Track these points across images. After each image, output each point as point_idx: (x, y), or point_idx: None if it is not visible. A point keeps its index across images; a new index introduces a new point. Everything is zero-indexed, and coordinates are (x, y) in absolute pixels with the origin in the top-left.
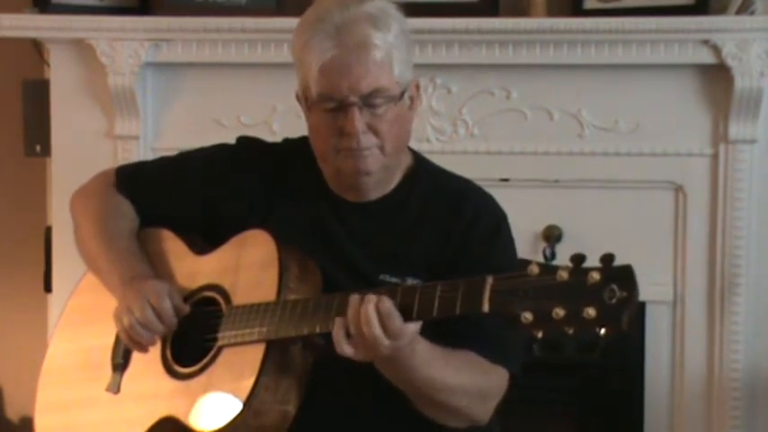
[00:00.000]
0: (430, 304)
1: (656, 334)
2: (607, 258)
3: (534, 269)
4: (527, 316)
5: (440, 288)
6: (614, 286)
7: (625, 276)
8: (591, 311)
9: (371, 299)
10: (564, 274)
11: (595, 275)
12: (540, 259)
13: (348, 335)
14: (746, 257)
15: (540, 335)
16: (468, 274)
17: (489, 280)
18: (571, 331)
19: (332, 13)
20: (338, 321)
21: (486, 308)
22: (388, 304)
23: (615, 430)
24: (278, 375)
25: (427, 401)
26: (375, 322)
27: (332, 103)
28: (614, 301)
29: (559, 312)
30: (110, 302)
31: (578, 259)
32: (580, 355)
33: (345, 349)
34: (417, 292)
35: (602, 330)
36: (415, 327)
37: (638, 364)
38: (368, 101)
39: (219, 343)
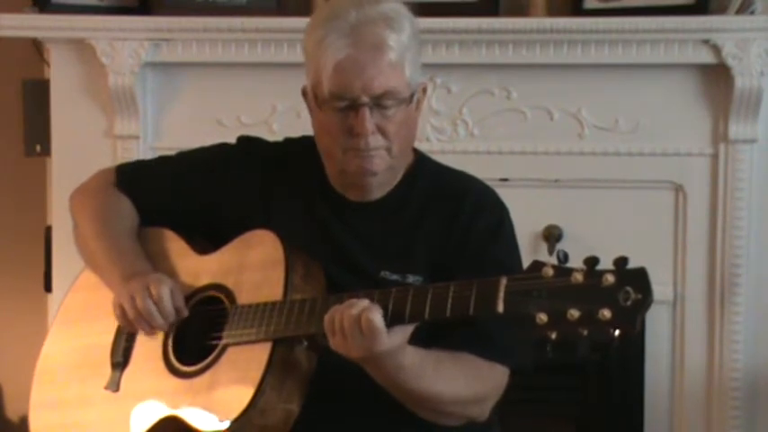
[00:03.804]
0: (443, 304)
1: (656, 334)
2: (621, 261)
3: (549, 271)
4: (542, 317)
5: (453, 288)
6: (629, 288)
7: (639, 279)
8: (606, 313)
9: (354, 302)
10: (579, 277)
11: (610, 278)
12: (548, 259)
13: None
14: (746, 257)
15: (554, 336)
16: (471, 271)
17: (503, 281)
18: (585, 333)
19: (347, 11)
20: (330, 313)
21: (500, 308)
22: (372, 313)
23: (615, 430)
24: (283, 375)
25: (421, 408)
26: (353, 322)
27: (343, 102)
28: (629, 303)
29: (574, 314)
30: (108, 300)
31: (592, 262)
32: (584, 355)
33: (330, 341)
34: (429, 292)
35: (617, 332)
36: (401, 339)
37: (638, 364)
38: (379, 102)
39: (224, 341)
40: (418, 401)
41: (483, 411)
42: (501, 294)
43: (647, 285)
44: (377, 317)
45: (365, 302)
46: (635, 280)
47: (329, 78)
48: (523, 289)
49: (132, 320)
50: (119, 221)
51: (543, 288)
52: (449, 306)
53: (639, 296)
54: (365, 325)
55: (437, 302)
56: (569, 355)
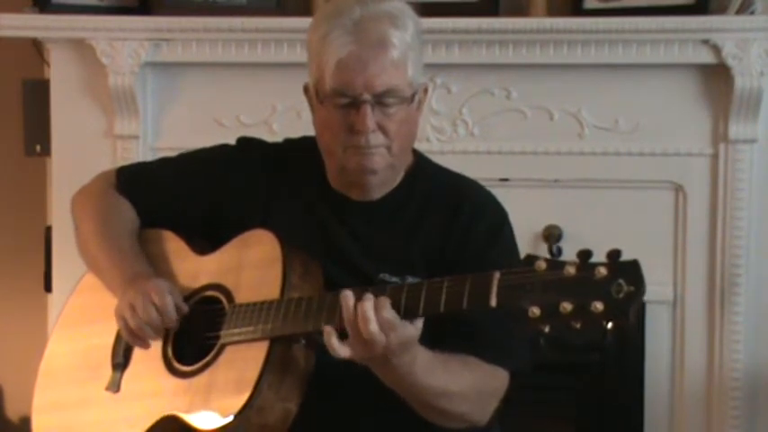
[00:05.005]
0: (437, 299)
1: (656, 334)
2: (614, 254)
3: (541, 265)
4: (534, 310)
5: (446, 283)
6: (621, 281)
7: (632, 271)
8: (598, 305)
9: (369, 297)
10: (571, 270)
11: (603, 270)
12: (545, 256)
13: (341, 336)
14: (746, 257)
15: (547, 329)
16: (470, 273)
17: (496, 275)
18: (578, 325)
19: (352, 8)
20: (327, 328)
21: (493, 302)
22: (384, 303)
23: (615, 430)
24: (281, 373)
25: (427, 407)
26: (372, 318)
27: (345, 99)
28: (621, 295)
29: (567, 307)
30: (110, 302)
31: (585, 255)
32: (581, 354)
33: (341, 352)
34: (424, 287)
35: (610, 324)
36: (414, 330)
37: (638, 364)
38: (380, 99)
39: (222, 341)
40: (427, 400)
41: (485, 415)
42: (494, 288)
43: (640, 277)
44: (390, 312)
45: (370, 307)
46: (627, 272)
47: (331, 75)
48: (516, 283)
49: (134, 329)
50: (119, 223)
51: (536, 282)
52: (443, 301)
53: (632, 288)
54: (384, 323)
55: (431, 297)
56: (566, 352)
